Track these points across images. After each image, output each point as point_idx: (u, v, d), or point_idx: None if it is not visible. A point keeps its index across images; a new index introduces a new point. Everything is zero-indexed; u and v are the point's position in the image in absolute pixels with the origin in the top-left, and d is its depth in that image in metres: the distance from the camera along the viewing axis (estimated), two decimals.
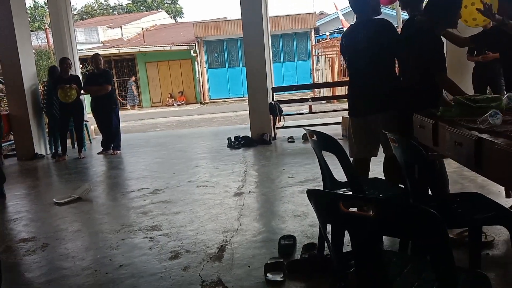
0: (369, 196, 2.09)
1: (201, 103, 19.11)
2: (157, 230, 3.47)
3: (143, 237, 3.36)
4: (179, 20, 34.01)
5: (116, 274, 2.75)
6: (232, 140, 7.02)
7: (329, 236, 1.72)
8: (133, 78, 19.23)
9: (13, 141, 7.58)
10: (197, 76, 19.42)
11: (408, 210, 1.21)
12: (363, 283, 1.36)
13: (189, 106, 18.38)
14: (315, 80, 17.28)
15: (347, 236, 1.38)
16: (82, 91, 7.01)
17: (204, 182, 4.87)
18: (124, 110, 18.09)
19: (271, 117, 7.30)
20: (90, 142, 8.23)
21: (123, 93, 19.63)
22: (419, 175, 2.27)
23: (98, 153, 7.12)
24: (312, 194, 1.37)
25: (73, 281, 2.74)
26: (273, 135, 7.26)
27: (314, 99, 9.04)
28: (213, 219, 3.64)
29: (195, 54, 18.92)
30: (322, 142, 2.62)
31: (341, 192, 2.49)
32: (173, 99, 19.39)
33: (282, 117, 7.53)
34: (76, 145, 7.30)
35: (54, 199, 4.47)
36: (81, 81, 7.17)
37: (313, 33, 19.17)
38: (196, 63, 19.24)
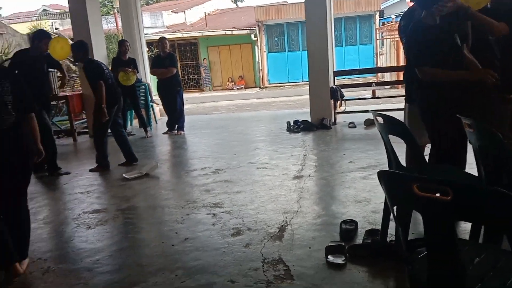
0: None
1: (260, 87, 19.18)
2: (219, 207, 3.59)
3: (206, 213, 3.48)
4: (240, 4, 34.09)
5: (182, 247, 2.89)
6: (291, 124, 7.00)
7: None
8: (205, 62, 19.65)
9: (85, 120, 8.09)
10: (257, 60, 19.46)
11: (488, 193, 1.16)
12: (435, 268, 1.32)
13: (248, 90, 18.52)
14: (379, 65, 16.69)
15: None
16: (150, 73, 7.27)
17: (263, 164, 4.92)
18: (199, 92, 18.55)
19: (332, 101, 7.19)
20: (156, 123, 8.57)
21: (185, 77, 20.15)
22: (494, 162, 2.15)
23: (163, 133, 7.41)
24: (383, 176, 1.35)
25: (142, 251, 2.91)
26: (333, 120, 7.15)
27: (378, 83, 8.74)
28: (273, 200, 3.68)
29: (256, 38, 18.94)
30: (389, 126, 2.55)
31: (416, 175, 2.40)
32: (233, 83, 19.63)
33: (343, 101, 7.38)
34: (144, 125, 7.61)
35: (123, 174, 4.73)
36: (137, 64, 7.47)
37: (377, 16, 18.41)
38: (256, 47, 19.27)
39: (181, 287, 2.38)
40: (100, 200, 4.12)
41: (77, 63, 8.31)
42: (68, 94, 7.95)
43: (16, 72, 4.53)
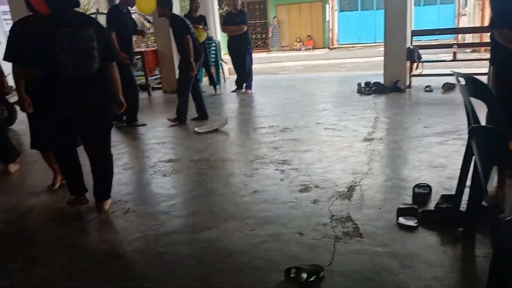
0: None
1: (329, 48, 18.62)
2: (287, 164, 3.62)
3: (274, 169, 3.53)
4: None
5: (251, 198, 2.98)
6: (362, 86, 6.77)
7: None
8: (275, 21, 19.31)
9: (159, 76, 8.38)
10: (327, 19, 18.79)
11: None
12: None
13: (316, 51, 18.06)
14: (460, 26, 15.42)
15: None
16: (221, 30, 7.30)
17: (332, 125, 4.85)
18: (266, 52, 18.43)
19: (408, 63, 6.81)
20: (224, 81, 8.69)
21: (253, 36, 20.02)
22: None
23: (231, 91, 7.51)
24: (476, 131, 1.27)
25: (213, 199, 3.05)
26: (408, 83, 6.80)
27: (460, 45, 8.10)
28: (341, 160, 3.64)
29: None
30: (471, 87, 2.37)
31: None
32: (301, 43, 19.20)
33: (420, 64, 6.96)
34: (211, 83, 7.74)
35: (195, 128, 4.90)
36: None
37: None
38: (327, 5, 18.56)
39: (251, 235, 2.47)
40: (174, 151, 4.33)
41: (151, 21, 8.56)
42: (143, 50, 8.25)
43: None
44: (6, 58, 2.90)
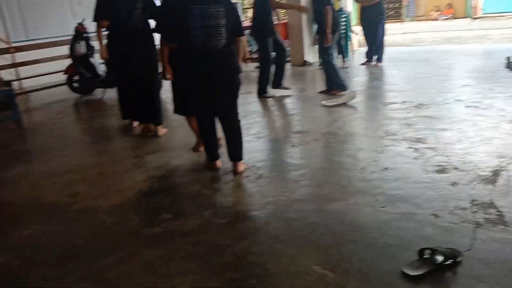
0: None
1: (471, 17, 16.65)
2: (421, 142, 3.44)
3: (407, 146, 3.39)
4: None
5: (382, 175, 2.92)
6: None
7: None
8: None
9: (288, 48, 8.47)
10: None
11: None
12: None
13: (456, 21, 16.30)
14: None
15: None
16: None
17: (474, 103, 4.42)
18: (399, 22, 17.36)
19: None
20: (353, 54, 8.43)
21: (385, 5, 18.87)
22: None
23: (360, 64, 7.28)
24: None
25: (342, 173, 3.07)
26: None
27: None
28: (485, 142, 3.33)
29: None
30: None
31: None
32: (439, 12, 17.51)
33: None
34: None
35: (323, 102, 4.91)
36: None
37: None
38: None
39: (382, 211, 2.44)
40: (302, 123, 4.43)
41: None
42: (274, 23, 8.38)
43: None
44: (155, 30, 3.29)
